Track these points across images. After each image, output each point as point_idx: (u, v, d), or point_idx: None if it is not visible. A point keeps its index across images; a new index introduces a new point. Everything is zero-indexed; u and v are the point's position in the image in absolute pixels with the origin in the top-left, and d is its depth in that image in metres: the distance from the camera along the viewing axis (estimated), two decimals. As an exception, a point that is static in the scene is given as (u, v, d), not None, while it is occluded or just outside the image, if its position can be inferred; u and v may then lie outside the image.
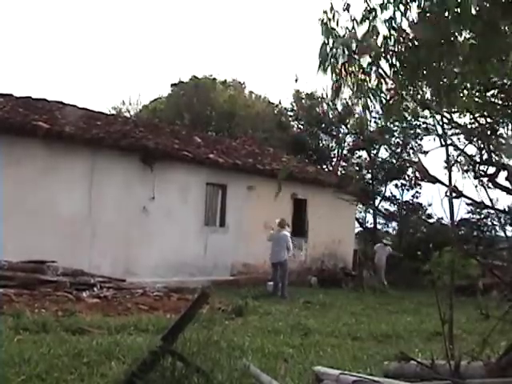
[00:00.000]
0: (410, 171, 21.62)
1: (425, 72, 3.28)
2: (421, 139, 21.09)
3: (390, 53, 3.21)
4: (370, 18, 3.16)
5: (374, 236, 21.63)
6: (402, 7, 3.09)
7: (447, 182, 3.45)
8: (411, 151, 21.24)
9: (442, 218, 19.26)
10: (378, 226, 22.46)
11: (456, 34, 3.11)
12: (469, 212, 19.38)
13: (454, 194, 3.42)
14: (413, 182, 21.27)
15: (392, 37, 3.18)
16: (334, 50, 3.16)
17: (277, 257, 12.38)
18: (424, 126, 20.24)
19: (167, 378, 3.65)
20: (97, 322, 6.97)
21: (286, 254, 12.43)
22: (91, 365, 4.68)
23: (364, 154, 23.04)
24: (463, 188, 3.55)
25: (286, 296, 11.96)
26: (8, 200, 9.64)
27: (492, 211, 17.32)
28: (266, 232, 14.14)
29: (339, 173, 21.37)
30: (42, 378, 4.24)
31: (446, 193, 3.38)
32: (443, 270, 3.30)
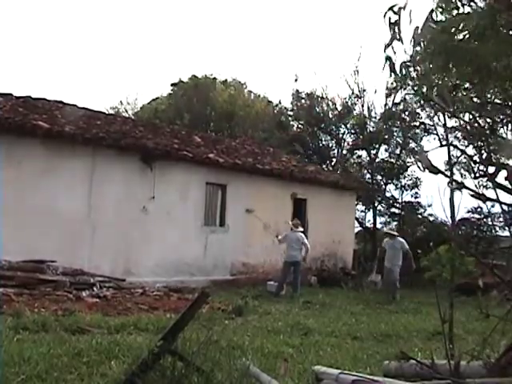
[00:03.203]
0: (410, 170, 21.80)
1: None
2: (420, 139, 21.18)
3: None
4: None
5: (373, 236, 21.63)
6: None
7: (448, 180, 3.45)
8: (411, 152, 21.30)
9: (439, 217, 19.39)
10: (378, 226, 22.46)
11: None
12: (469, 211, 19.44)
13: (456, 186, 3.41)
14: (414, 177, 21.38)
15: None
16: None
17: (293, 256, 12.40)
18: (423, 126, 20.39)
19: (167, 378, 3.65)
20: (96, 322, 6.96)
21: (300, 254, 12.52)
22: (91, 364, 4.68)
23: (364, 153, 23.08)
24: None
25: (299, 292, 12.14)
26: (8, 199, 9.64)
27: (492, 211, 17.33)
28: (266, 232, 14.16)
29: (339, 171, 21.38)
30: (42, 377, 4.24)
31: (448, 184, 3.37)
32: (442, 269, 3.30)
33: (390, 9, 2.86)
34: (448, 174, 3.48)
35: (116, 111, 28.31)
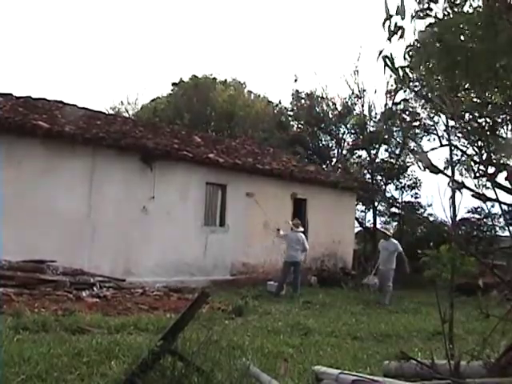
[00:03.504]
0: (410, 170, 21.79)
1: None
2: (421, 139, 21.16)
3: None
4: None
5: (373, 236, 21.61)
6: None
7: (448, 180, 3.45)
8: (411, 152, 21.29)
9: (439, 217, 19.40)
10: (378, 226, 22.44)
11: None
12: (469, 211, 19.45)
13: (456, 186, 3.41)
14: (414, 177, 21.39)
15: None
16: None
17: (293, 256, 12.37)
18: (423, 126, 20.38)
19: (167, 378, 3.65)
20: (96, 322, 6.97)
21: (300, 254, 12.49)
22: (91, 364, 4.68)
23: (364, 153, 23.08)
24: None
25: (299, 292, 12.12)
26: (8, 199, 9.64)
27: (492, 211, 17.30)
28: (265, 232, 14.17)
29: (340, 170, 21.38)
30: (42, 377, 4.24)
31: (448, 184, 3.36)
32: (442, 268, 3.29)
33: (392, 16, 2.86)
34: (449, 173, 3.48)
35: (116, 111, 28.32)
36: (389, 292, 12.23)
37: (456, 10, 3.16)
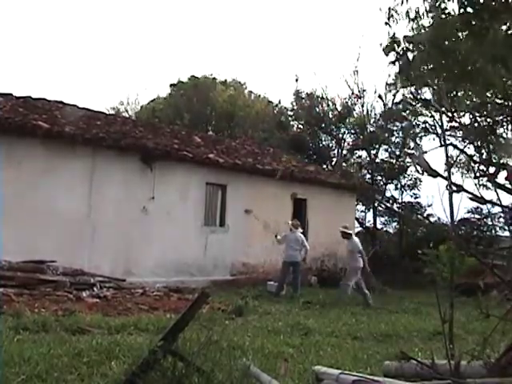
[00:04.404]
0: (410, 170, 21.78)
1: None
2: (420, 139, 21.17)
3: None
4: None
5: (373, 236, 21.61)
6: None
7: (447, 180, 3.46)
8: (409, 155, 21.32)
9: (440, 219, 19.41)
10: (378, 226, 22.46)
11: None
12: (469, 212, 19.46)
13: (454, 189, 3.43)
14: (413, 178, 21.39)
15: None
16: None
17: (292, 256, 12.34)
18: (424, 125, 20.39)
19: (167, 378, 3.65)
20: (97, 322, 6.96)
21: (300, 254, 12.47)
22: (91, 365, 4.67)
23: (364, 153, 23.08)
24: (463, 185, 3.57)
25: (299, 292, 12.09)
26: (8, 199, 9.64)
27: (492, 210, 17.31)
28: (266, 232, 14.15)
29: (340, 170, 21.38)
30: (42, 377, 4.23)
31: (446, 187, 3.38)
32: (442, 268, 3.30)
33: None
34: (447, 176, 3.50)
35: (116, 111, 28.33)
36: (348, 289, 11.64)
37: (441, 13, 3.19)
